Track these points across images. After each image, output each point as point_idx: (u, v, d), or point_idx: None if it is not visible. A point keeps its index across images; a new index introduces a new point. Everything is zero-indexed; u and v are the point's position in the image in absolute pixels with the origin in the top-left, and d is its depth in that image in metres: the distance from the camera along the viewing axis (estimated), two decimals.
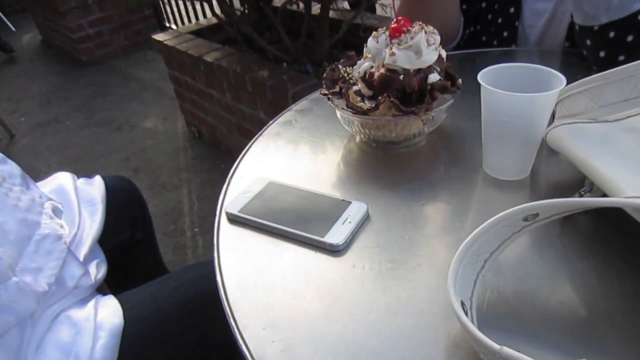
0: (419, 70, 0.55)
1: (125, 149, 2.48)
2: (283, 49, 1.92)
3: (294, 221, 0.50)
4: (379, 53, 0.56)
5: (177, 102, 2.51)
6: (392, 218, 0.50)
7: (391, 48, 0.55)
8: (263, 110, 1.80)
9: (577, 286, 0.40)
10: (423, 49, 0.54)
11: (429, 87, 0.55)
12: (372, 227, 0.49)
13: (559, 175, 0.53)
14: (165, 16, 3.58)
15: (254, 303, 0.43)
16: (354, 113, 0.56)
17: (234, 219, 0.53)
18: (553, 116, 0.53)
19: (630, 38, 0.68)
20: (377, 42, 0.57)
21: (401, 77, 0.54)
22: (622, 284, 0.40)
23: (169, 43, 2.16)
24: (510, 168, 0.53)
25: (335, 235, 0.47)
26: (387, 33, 0.56)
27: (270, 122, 0.71)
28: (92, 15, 3.51)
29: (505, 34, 0.87)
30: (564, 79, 0.48)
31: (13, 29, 4.77)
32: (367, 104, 0.57)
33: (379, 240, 0.48)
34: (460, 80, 0.58)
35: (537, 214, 0.38)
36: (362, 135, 0.61)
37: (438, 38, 0.56)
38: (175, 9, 3.29)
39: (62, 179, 0.90)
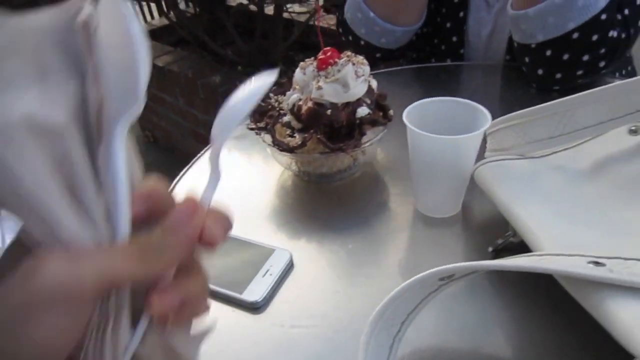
0: (347, 104, 0.52)
1: None
2: (237, 52, 1.87)
3: (212, 275, 0.47)
4: (307, 85, 0.53)
5: None
6: (317, 265, 0.48)
7: (318, 81, 0.52)
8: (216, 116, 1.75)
9: (500, 338, 0.39)
10: (350, 82, 0.51)
11: (357, 121, 0.53)
12: (296, 277, 0.47)
13: (490, 210, 0.52)
14: None
15: None
16: (280, 150, 0.53)
17: None
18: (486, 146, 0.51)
19: (565, 57, 0.68)
20: (305, 73, 0.54)
21: (329, 111, 0.52)
22: (544, 335, 0.39)
23: None
24: (440, 206, 0.52)
25: (254, 290, 0.44)
26: (315, 64, 0.53)
27: (202, 152, 0.67)
28: None
29: (454, 38, 0.86)
30: (488, 117, 0.46)
31: None
32: (296, 138, 0.54)
33: (301, 292, 0.45)
34: (391, 112, 0.56)
35: (453, 274, 0.36)
36: (293, 170, 0.58)
37: (367, 69, 0.54)
38: None
39: None
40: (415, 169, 0.50)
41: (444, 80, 0.83)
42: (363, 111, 0.52)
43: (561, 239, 0.38)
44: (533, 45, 0.69)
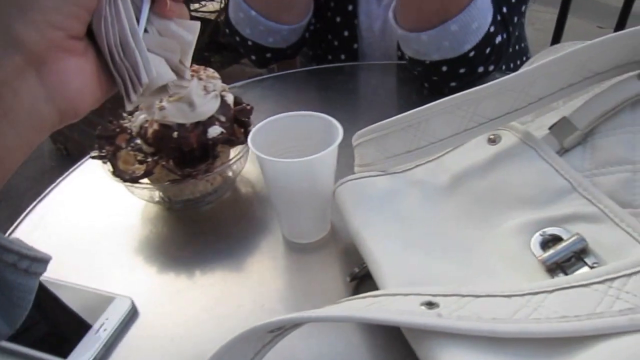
0: (197, 124, 0.47)
1: None
2: None
3: (33, 336, 0.40)
4: (150, 107, 0.47)
5: None
6: (164, 310, 0.42)
7: (161, 100, 0.46)
8: None
9: None
10: (197, 99, 0.46)
11: (210, 142, 0.48)
12: (140, 327, 0.41)
13: None
14: None
15: None
16: (123, 181, 0.47)
17: None
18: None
19: (462, 70, 0.66)
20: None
21: (175, 133, 0.46)
22: None
23: None
24: (305, 230, 0.48)
25: (82, 354, 0.38)
26: None
27: (65, 175, 0.59)
28: None
29: (345, 33, 0.83)
30: (340, 132, 0.43)
31: None
32: (147, 164, 0.48)
33: (142, 347, 0.40)
34: (251, 128, 0.51)
35: (283, 326, 0.32)
36: (156, 201, 0.52)
37: (218, 83, 0.49)
38: None
39: None
40: (272, 196, 0.45)
41: (340, 81, 0.79)
42: (215, 130, 0.47)
43: (406, 272, 0.35)
44: (427, 62, 0.67)
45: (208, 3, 1.77)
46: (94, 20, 0.27)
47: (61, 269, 0.46)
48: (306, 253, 0.47)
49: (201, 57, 1.85)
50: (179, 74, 0.31)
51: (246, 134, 0.51)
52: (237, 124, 0.51)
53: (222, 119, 0.49)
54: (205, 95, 0.47)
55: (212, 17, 1.80)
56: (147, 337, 0.40)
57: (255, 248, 0.48)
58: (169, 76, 0.30)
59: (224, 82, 0.51)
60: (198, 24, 0.32)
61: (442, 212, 0.40)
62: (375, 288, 0.35)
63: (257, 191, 0.55)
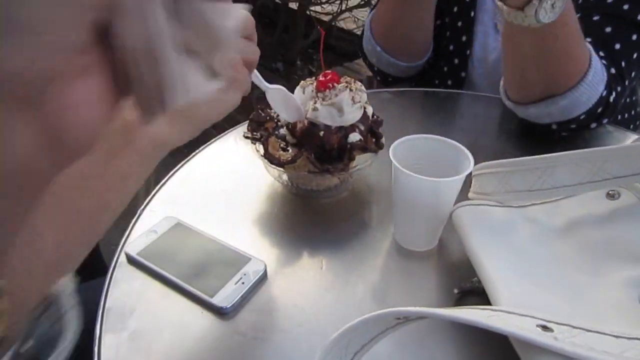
0: (340, 128, 0.54)
1: None
2: (257, 43, 1.88)
3: (189, 273, 0.49)
4: (305, 104, 0.55)
5: None
6: (289, 280, 0.50)
7: (315, 102, 0.54)
8: None
9: None
10: (345, 107, 0.53)
11: (348, 146, 0.54)
12: (268, 289, 0.49)
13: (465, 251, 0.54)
14: None
15: (127, 356, 0.42)
16: (271, 163, 0.55)
17: (132, 261, 0.52)
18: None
19: (572, 126, 0.69)
20: (304, 92, 0.55)
21: (321, 133, 0.53)
22: None
23: None
24: (417, 240, 0.53)
25: (225, 296, 0.46)
26: (315, 85, 0.55)
27: (193, 154, 0.69)
28: None
29: (456, 61, 0.88)
30: (471, 162, 0.48)
31: None
32: (289, 152, 0.56)
33: (270, 305, 0.47)
34: (383, 140, 0.57)
35: (409, 316, 0.38)
36: (283, 182, 0.60)
37: (364, 96, 0.55)
38: None
39: None
40: (395, 203, 0.51)
41: (448, 108, 0.84)
42: (355, 137, 0.54)
43: (519, 296, 0.40)
44: (538, 123, 0.70)
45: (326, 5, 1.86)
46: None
47: (204, 221, 0.55)
48: (414, 260, 0.52)
49: (305, 53, 1.96)
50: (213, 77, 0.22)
51: (377, 144, 0.57)
52: (371, 134, 0.57)
53: (362, 127, 0.55)
54: (352, 104, 0.54)
55: (327, 19, 1.90)
56: (275, 298, 0.48)
57: (369, 246, 0.54)
58: (201, 90, 0.21)
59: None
60: (243, 11, 0.24)
61: (554, 250, 0.44)
62: (478, 304, 0.40)
63: (373, 195, 0.62)
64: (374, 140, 0.57)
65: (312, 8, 1.83)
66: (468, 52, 0.86)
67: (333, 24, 1.82)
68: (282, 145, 0.57)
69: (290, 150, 0.56)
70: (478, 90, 0.88)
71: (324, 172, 0.53)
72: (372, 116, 0.59)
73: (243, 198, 0.61)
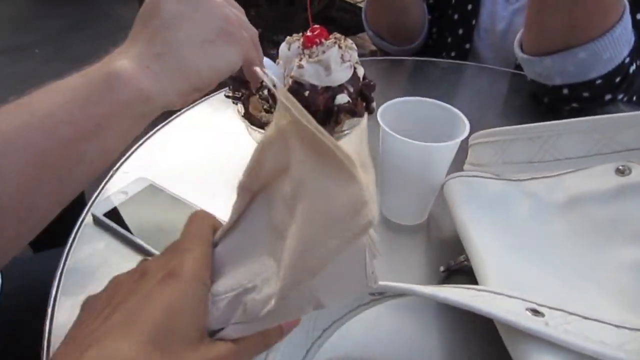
0: (327, 88, 0.49)
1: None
2: (261, 14, 1.83)
3: (157, 237, 0.45)
4: (289, 61, 0.50)
5: None
6: None
7: (301, 59, 0.49)
8: None
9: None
10: (333, 65, 0.48)
11: (335, 109, 0.50)
12: None
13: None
14: None
15: None
16: (250, 123, 0.51)
17: (98, 222, 0.48)
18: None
19: (586, 94, 0.63)
20: (289, 49, 0.51)
21: (307, 92, 0.49)
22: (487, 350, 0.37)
23: None
24: (405, 212, 0.49)
25: None
26: (301, 41, 0.50)
27: (174, 116, 0.65)
28: None
29: (460, 31, 0.82)
30: (467, 128, 0.43)
31: None
32: (272, 114, 0.52)
33: None
34: (374, 104, 0.52)
35: (385, 292, 0.34)
36: None
37: (355, 54, 0.51)
38: None
39: None
40: (383, 171, 0.47)
41: (451, 79, 0.79)
42: (343, 98, 0.49)
43: (510, 276, 0.36)
44: (549, 85, 0.64)
45: None
46: None
47: (180, 185, 0.51)
48: (401, 234, 0.48)
49: (308, 25, 1.89)
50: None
51: (367, 108, 0.52)
52: (361, 97, 0.53)
53: (351, 89, 0.50)
54: (341, 63, 0.49)
55: None
56: None
57: None
58: None
59: None
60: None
61: (554, 229, 0.40)
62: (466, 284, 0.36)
63: None
64: (364, 104, 0.53)
65: None
66: (474, 21, 0.81)
67: None
68: (265, 106, 0.53)
69: (273, 112, 0.52)
70: (485, 62, 0.83)
71: None
72: (364, 79, 0.54)
73: (223, 163, 0.57)
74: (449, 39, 0.84)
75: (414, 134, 0.47)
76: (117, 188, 0.51)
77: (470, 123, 0.44)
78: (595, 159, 0.41)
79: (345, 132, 0.51)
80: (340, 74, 0.49)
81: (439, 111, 0.46)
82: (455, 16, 0.82)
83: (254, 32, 0.41)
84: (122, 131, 0.34)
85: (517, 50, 0.66)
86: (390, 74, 0.80)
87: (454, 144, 0.43)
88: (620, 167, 0.42)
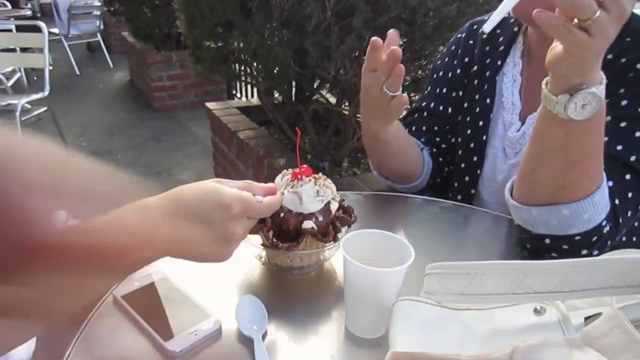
0: (299, 214, 0.62)
1: (155, 194, 2.67)
2: (309, 142, 2.07)
3: (154, 318, 0.56)
4: (280, 188, 0.64)
5: (213, 163, 2.71)
6: (237, 345, 0.55)
7: (286, 188, 0.63)
8: None
9: None
10: (305, 197, 0.61)
11: (302, 231, 0.61)
12: (220, 345, 0.55)
13: None
14: (234, 84, 3.94)
15: None
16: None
17: (116, 302, 0.60)
18: None
19: (565, 247, 0.69)
20: (282, 179, 0.65)
21: (282, 214, 0.61)
22: None
23: (216, 113, 2.39)
24: (364, 327, 0.57)
25: (178, 342, 0.53)
26: (291, 175, 0.64)
27: None
28: (173, 70, 3.95)
29: (466, 178, 0.93)
30: (411, 256, 0.52)
31: (111, 65, 5.42)
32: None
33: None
34: (339, 235, 0.63)
35: None
36: (261, 260, 0.68)
37: (329, 192, 0.63)
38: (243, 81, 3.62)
39: None
40: (346, 291, 0.56)
41: (453, 220, 0.87)
42: (308, 224, 0.61)
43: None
44: (532, 232, 0.71)
45: None
46: None
47: (186, 280, 0.63)
48: (362, 347, 0.56)
49: (353, 156, 2.10)
50: None
51: (334, 236, 0.64)
52: (333, 226, 0.64)
53: (320, 218, 0.62)
54: (314, 197, 0.62)
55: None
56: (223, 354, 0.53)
57: (325, 325, 0.59)
58: None
59: (355, 184, 0.65)
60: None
61: (473, 354, 0.47)
62: None
63: (337, 278, 0.67)
64: (334, 233, 0.64)
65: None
66: (478, 171, 0.92)
67: None
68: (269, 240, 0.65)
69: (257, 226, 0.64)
70: (486, 207, 0.91)
71: (274, 247, 0.61)
72: (346, 212, 0.66)
73: (227, 266, 0.68)
74: (456, 184, 0.96)
75: (374, 262, 0.56)
76: (138, 276, 0.64)
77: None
78: (512, 297, 0.49)
79: (309, 251, 0.62)
80: (311, 205, 0.61)
81: (391, 242, 0.56)
82: (462, 165, 0.94)
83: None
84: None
85: (507, 196, 0.74)
86: (388, 209, 0.91)
87: (397, 270, 0.52)
88: (538, 308, 0.49)
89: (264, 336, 0.55)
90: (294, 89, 2.04)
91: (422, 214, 0.91)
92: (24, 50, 3.15)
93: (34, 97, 2.79)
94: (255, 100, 2.73)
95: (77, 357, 0.53)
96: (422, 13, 1.44)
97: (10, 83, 3.34)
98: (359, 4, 1.38)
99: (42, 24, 2.72)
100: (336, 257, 0.68)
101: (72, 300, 0.42)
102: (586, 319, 0.45)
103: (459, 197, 0.95)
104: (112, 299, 0.61)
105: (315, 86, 1.90)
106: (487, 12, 0.90)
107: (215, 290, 0.64)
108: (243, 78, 2.63)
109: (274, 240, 0.61)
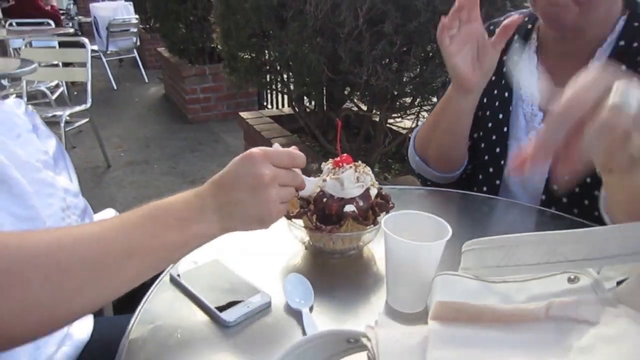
0: (341, 199, 0.66)
1: None
2: (341, 148, 2.11)
3: (209, 293, 0.61)
4: (322, 176, 0.69)
5: None
6: (287, 316, 0.59)
7: (327, 175, 0.67)
8: None
9: None
10: (347, 183, 0.65)
11: (344, 215, 0.66)
12: (271, 317, 0.59)
13: None
14: (265, 95, 4.05)
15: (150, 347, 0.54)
16: (285, 217, 0.68)
17: (172, 280, 0.66)
18: None
19: None
20: (324, 168, 0.70)
21: (324, 199, 0.66)
22: None
23: (250, 122, 2.47)
24: (404, 301, 0.60)
25: (232, 313, 0.58)
26: (332, 163, 0.69)
27: None
28: (206, 83, 4.09)
29: (490, 169, 0.97)
30: (448, 232, 0.56)
31: (146, 80, 5.64)
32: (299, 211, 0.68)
33: (266, 332, 0.57)
34: (379, 218, 0.67)
35: (359, 341, 0.45)
36: (305, 242, 0.72)
37: (368, 178, 0.67)
38: (274, 91, 3.73)
39: (107, 215, 1.10)
40: (386, 266, 0.60)
41: (482, 210, 0.91)
42: (349, 208, 0.66)
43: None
44: None
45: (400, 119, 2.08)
46: None
47: (237, 262, 0.68)
48: (403, 321, 0.58)
49: (384, 162, 2.14)
50: None
51: (374, 220, 0.68)
52: (372, 211, 0.68)
53: (360, 202, 0.67)
54: (355, 182, 0.66)
55: (404, 131, 2.10)
56: (274, 325, 0.58)
57: (364, 305, 0.63)
58: None
59: (394, 183, 0.69)
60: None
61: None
62: None
63: (376, 261, 0.71)
64: (374, 217, 0.68)
65: (391, 121, 2.05)
66: (502, 162, 0.95)
67: (409, 135, 2.00)
68: (300, 204, 0.70)
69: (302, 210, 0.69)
70: (514, 197, 0.95)
71: (317, 230, 0.65)
72: (384, 199, 0.70)
73: (274, 249, 0.73)
74: (480, 176, 0.99)
75: (413, 240, 0.59)
76: (192, 259, 0.69)
77: None
78: (546, 267, 0.51)
79: (350, 234, 0.66)
80: (352, 190, 0.66)
81: (430, 221, 0.60)
82: (486, 157, 0.98)
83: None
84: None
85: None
86: (423, 201, 0.95)
87: (436, 244, 0.56)
88: (572, 277, 0.52)
89: (310, 309, 0.60)
90: (325, 96, 2.10)
91: (453, 205, 0.94)
92: (65, 65, 3.34)
93: (77, 109, 2.94)
94: (286, 110, 2.81)
95: (141, 324, 0.58)
96: None
97: (54, 96, 3.52)
98: (390, 10, 1.43)
99: (85, 40, 2.89)
100: (375, 242, 0.72)
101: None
102: (618, 283, 0.47)
103: (485, 189, 0.98)
104: (168, 277, 0.67)
105: (346, 93, 1.95)
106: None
107: (263, 270, 0.68)
108: (274, 87, 2.70)
109: (318, 223, 0.66)
